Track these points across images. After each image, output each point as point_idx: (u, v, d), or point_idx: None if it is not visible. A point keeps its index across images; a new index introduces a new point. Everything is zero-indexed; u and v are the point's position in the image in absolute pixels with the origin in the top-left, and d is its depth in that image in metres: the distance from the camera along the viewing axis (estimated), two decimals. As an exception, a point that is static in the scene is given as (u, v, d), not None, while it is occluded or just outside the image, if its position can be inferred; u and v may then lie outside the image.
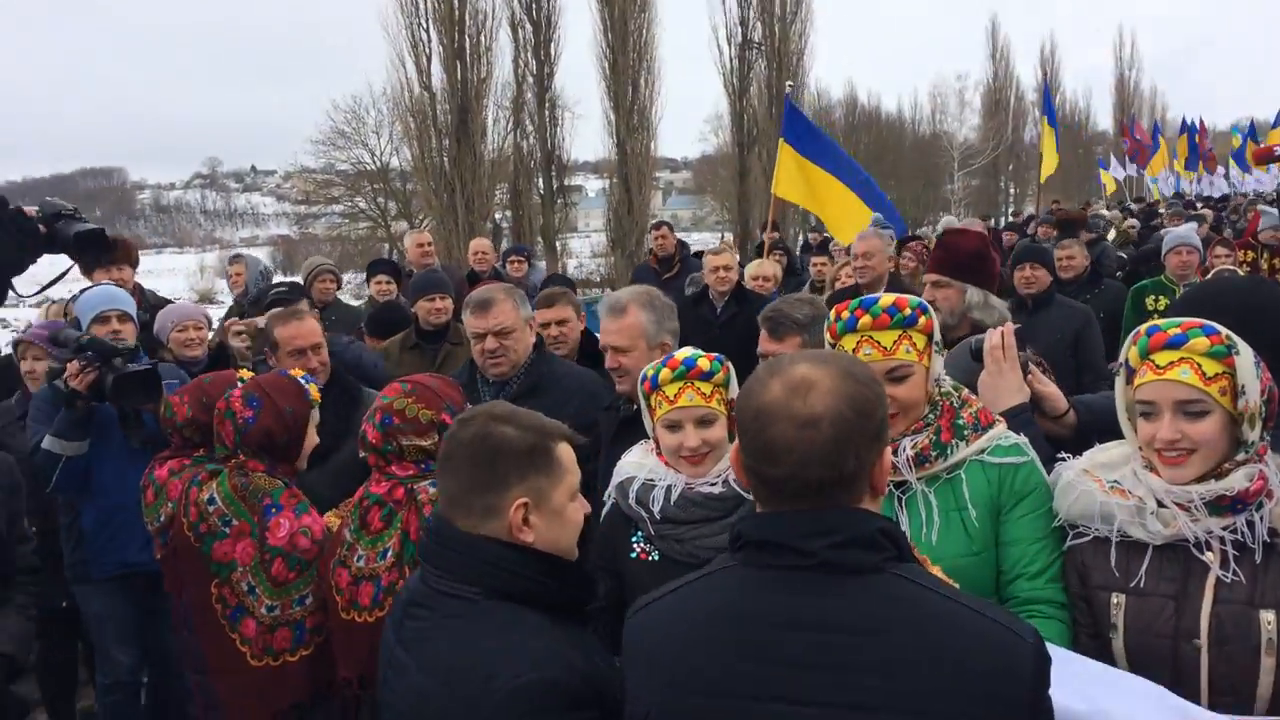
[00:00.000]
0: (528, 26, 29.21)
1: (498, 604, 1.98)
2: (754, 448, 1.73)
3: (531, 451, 2.05)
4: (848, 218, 8.42)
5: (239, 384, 3.30)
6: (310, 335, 4.16)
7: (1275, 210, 12.05)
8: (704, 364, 2.73)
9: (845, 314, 2.53)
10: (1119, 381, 2.32)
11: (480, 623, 1.96)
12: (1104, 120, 58.86)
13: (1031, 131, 46.01)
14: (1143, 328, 2.26)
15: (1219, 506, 2.14)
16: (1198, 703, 2.11)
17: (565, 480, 2.10)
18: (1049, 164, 17.35)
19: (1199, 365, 2.15)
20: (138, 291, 6.07)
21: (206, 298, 36.53)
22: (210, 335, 5.62)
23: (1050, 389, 2.94)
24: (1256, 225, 11.19)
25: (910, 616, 1.64)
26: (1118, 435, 2.39)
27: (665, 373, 2.73)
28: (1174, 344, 2.18)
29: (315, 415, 3.27)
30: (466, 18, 27.15)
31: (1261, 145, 27.92)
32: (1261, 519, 2.14)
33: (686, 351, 2.79)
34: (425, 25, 27.08)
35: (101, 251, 2.83)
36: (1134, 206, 21.46)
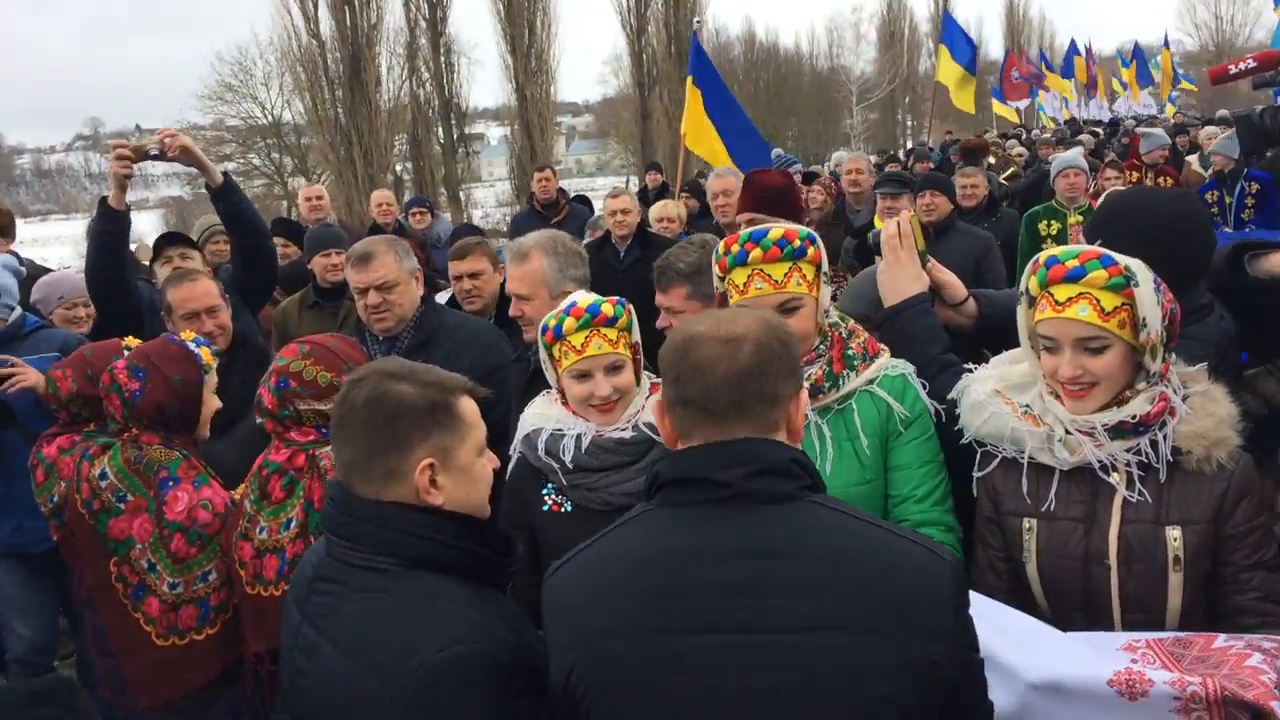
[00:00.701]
0: (418, -32, 28.44)
1: (414, 574, 1.88)
2: (677, 372, 1.77)
3: (433, 408, 1.94)
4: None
5: (124, 353, 3.16)
6: (204, 298, 3.96)
7: (1157, 131, 12.48)
8: (608, 310, 2.69)
9: (735, 247, 2.54)
10: (1020, 308, 2.35)
11: (397, 595, 1.86)
12: (995, 50, 59.84)
13: (927, 63, 46.61)
14: (1042, 256, 2.26)
15: (1122, 431, 2.18)
16: (1109, 623, 2.20)
17: (471, 436, 2.00)
18: (958, 89, 17.02)
19: (1097, 300, 2.15)
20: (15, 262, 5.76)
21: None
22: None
23: (948, 276, 2.92)
24: (1138, 147, 11.57)
25: (829, 540, 1.69)
26: (1010, 331, 2.44)
27: (570, 321, 2.68)
28: (1072, 277, 2.17)
29: (212, 380, 3.13)
30: (353, -40, 26.30)
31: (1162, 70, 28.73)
32: (1165, 438, 2.18)
33: (588, 299, 2.74)
34: (310, -31, 26.17)
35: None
36: (1021, 134, 21.96)
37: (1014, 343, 2.44)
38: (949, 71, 17.24)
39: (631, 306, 2.78)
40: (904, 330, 2.75)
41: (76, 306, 4.95)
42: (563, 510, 2.74)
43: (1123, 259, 2.18)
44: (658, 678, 1.64)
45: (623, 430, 2.70)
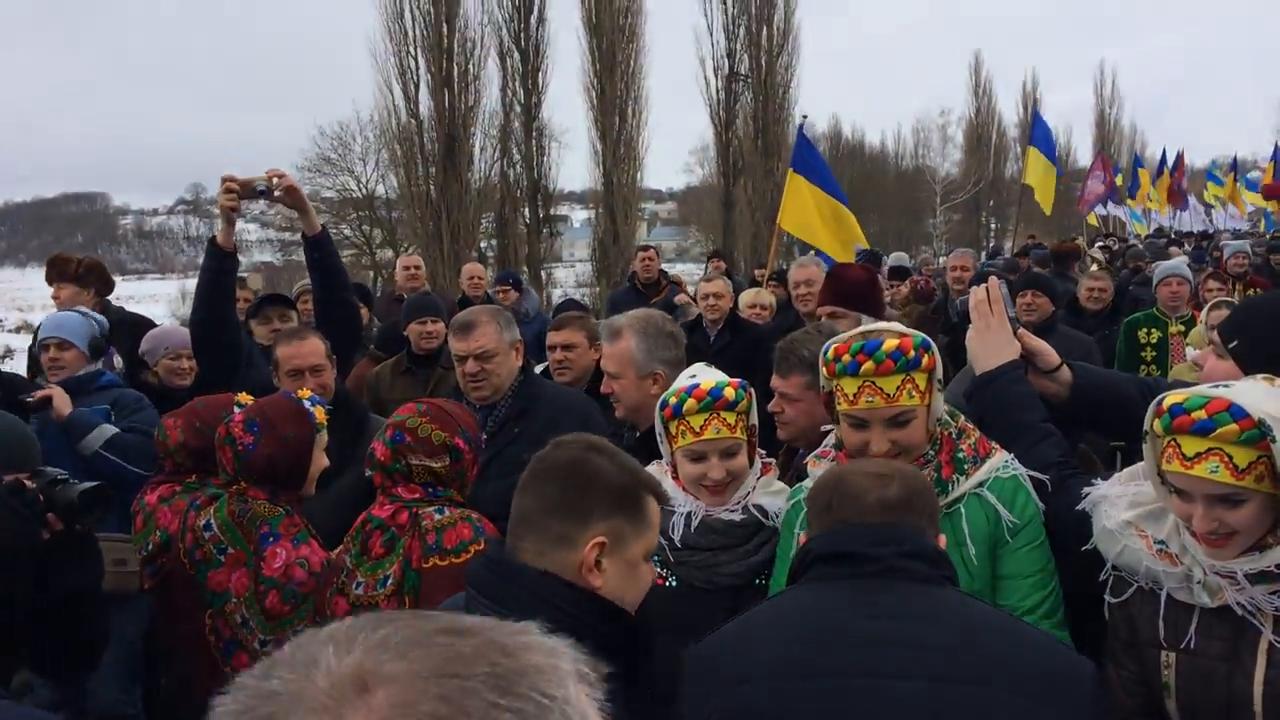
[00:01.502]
0: (516, 55, 29.40)
1: None
2: (828, 500, 1.94)
3: (624, 492, 1.89)
4: (847, 243, 8.47)
5: (236, 408, 3.21)
6: (310, 356, 4.03)
7: (1237, 242, 12.26)
8: (730, 394, 2.67)
9: (846, 357, 2.46)
10: (1145, 446, 2.16)
11: None
12: (1084, 157, 59.60)
13: (1013, 167, 46.50)
14: (1166, 401, 2.07)
15: (1265, 577, 2.02)
16: None
17: (647, 535, 1.94)
18: (1042, 187, 16.66)
19: (1229, 457, 1.96)
20: (102, 309, 5.83)
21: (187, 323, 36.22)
22: None
23: (1040, 344, 2.78)
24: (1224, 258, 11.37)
25: (972, 621, 1.77)
26: (1114, 406, 2.34)
27: (691, 403, 2.66)
28: (1200, 430, 1.98)
29: (323, 439, 3.16)
30: (455, 45, 27.32)
31: (1262, 182, 28.17)
32: None
33: (712, 380, 2.72)
34: (413, 52, 27.26)
35: (107, 510, 2.75)
36: (1113, 244, 21.66)
37: (1111, 421, 2.35)
38: (1036, 170, 16.98)
39: (753, 391, 2.76)
40: (998, 398, 2.64)
41: (181, 358, 5.08)
42: (668, 584, 2.69)
43: (1255, 409, 1.95)
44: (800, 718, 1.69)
45: (732, 512, 2.67)
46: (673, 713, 1.85)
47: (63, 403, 4.13)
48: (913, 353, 2.43)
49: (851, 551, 1.83)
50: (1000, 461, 2.52)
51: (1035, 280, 6.31)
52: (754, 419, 2.75)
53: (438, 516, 2.69)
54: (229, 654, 2.89)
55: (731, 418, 2.66)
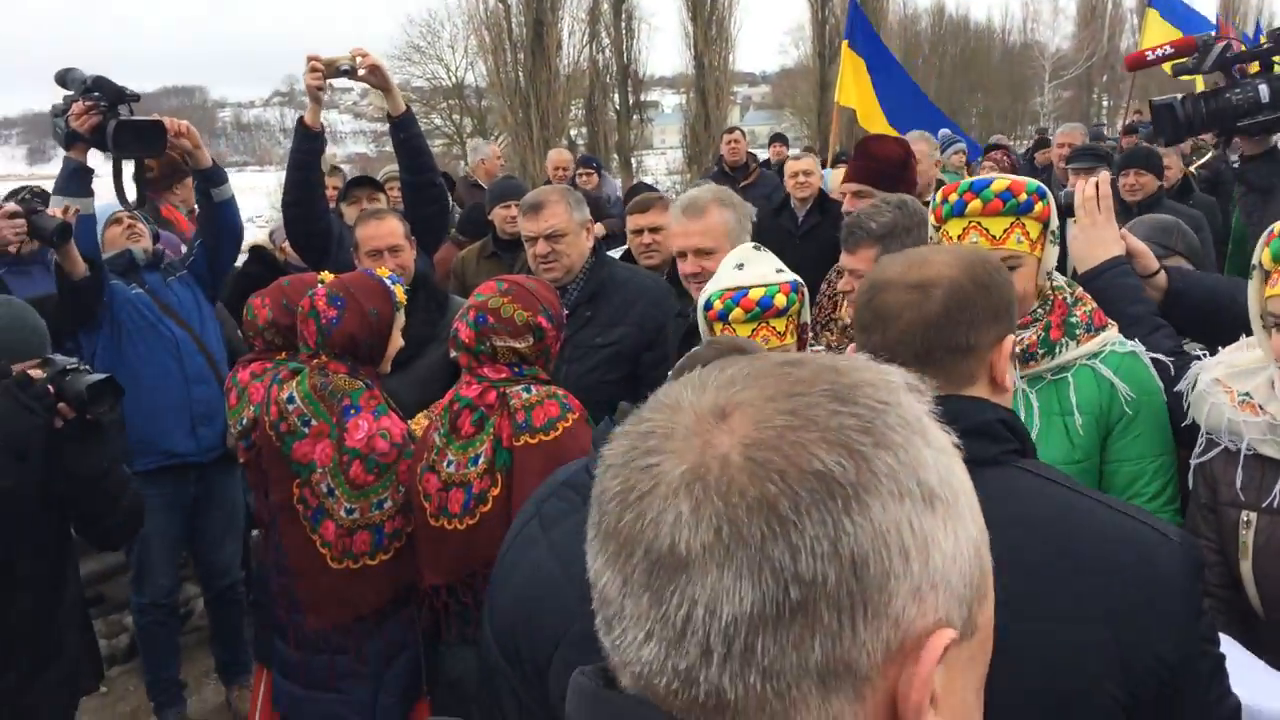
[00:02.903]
0: (603, -66, 28.57)
1: None
2: (864, 321, 1.62)
3: None
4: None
5: (321, 284, 3.26)
6: (389, 236, 4.05)
7: None
8: (780, 301, 2.51)
9: (953, 196, 2.33)
10: (1250, 284, 2.10)
11: None
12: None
13: (1129, 40, 43.86)
14: (1278, 226, 2.02)
15: None
16: None
17: None
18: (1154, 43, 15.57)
19: None
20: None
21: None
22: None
23: (1140, 245, 2.70)
24: None
25: (1030, 513, 1.45)
26: (1211, 312, 2.21)
27: (738, 311, 2.50)
28: None
29: (401, 318, 3.18)
30: (541, -74, 26.65)
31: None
32: None
33: (761, 287, 2.53)
34: (500, -64, 26.67)
35: (117, 399, 2.83)
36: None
37: (1211, 328, 2.21)
38: (1155, 35, 15.80)
39: (805, 289, 2.62)
40: (1105, 292, 2.51)
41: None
42: None
43: None
44: None
45: None
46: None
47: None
48: (1024, 196, 2.28)
49: None
50: (1117, 336, 2.37)
51: (1138, 157, 5.96)
52: (805, 317, 2.61)
53: (525, 395, 2.69)
54: (316, 522, 2.98)
55: (781, 325, 2.52)
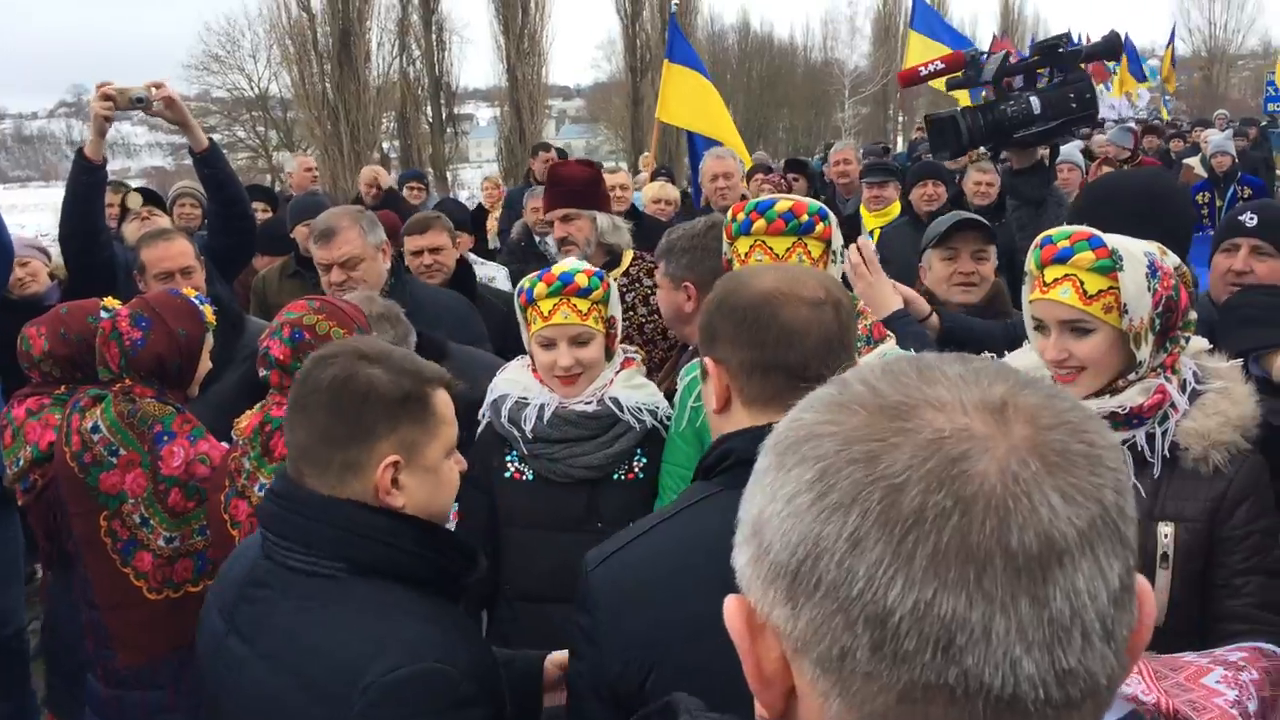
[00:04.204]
0: (411, -56, 28.17)
1: (362, 581, 1.65)
2: (765, 337, 1.64)
3: (405, 398, 1.72)
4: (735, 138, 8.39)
5: (103, 312, 3.06)
6: (180, 257, 3.84)
7: (1117, 130, 12.43)
8: (581, 280, 2.62)
9: (741, 215, 2.46)
10: (1024, 290, 2.29)
11: (343, 605, 1.63)
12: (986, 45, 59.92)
13: (920, 59, 46.49)
14: (1040, 236, 2.23)
15: (1114, 422, 2.11)
16: None
17: (442, 433, 1.78)
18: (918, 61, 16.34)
19: (1081, 283, 2.10)
20: None
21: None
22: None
23: (911, 293, 2.99)
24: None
25: None
26: (977, 349, 2.38)
27: (541, 287, 2.62)
28: (1061, 258, 2.13)
29: (210, 340, 3.07)
30: (346, -66, 26.04)
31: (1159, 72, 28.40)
32: (1165, 432, 2.12)
33: (565, 266, 2.68)
34: (302, -59, 25.88)
35: None
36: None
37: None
38: (918, 53, 16.68)
39: (611, 280, 2.73)
40: (897, 340, 2.71)
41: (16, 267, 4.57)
42: (524, 478, 2.71)
43: (1115, 241, 2.11)
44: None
45: (586, 403, 2.65)
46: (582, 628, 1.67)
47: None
48: (806, 217, 2.41)
49: None
50: (892, 346, 2.54)
51: (931, 169, 6.32)
52: (613, 310, 2.71)
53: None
54: (129, 554, 2.85)
55: (584, 305, 2.61)
